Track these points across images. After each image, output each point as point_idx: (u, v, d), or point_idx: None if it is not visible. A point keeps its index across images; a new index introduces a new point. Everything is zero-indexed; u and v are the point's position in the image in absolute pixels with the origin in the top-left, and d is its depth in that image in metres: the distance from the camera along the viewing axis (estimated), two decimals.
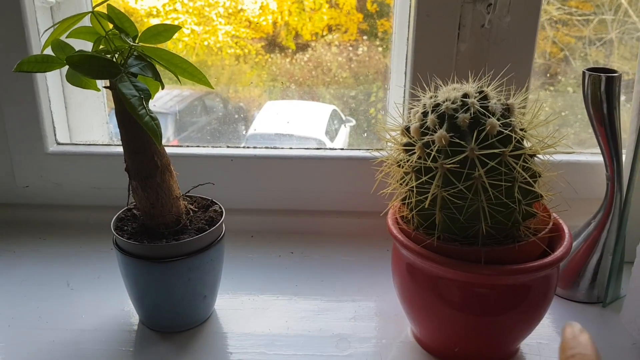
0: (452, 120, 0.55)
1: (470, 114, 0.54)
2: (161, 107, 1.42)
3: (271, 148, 0.87)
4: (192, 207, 0.69)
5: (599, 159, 0.73)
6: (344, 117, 1.13)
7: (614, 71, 0.67)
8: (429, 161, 0.54)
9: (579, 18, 1.06)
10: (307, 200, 0.89)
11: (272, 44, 1.11)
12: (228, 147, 0.87)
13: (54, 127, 0.88)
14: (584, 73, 0.68)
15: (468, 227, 0.55)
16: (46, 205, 0.90)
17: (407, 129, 0.58)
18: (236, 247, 0.86)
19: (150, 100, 0.58)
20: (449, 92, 0.57)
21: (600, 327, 0.70)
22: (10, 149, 0.87)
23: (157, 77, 0.59)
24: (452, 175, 0.54)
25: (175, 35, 0.62)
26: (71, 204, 0.90)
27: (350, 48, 1.11)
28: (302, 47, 1.11)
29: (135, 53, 0.59)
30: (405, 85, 0.83)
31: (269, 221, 0.89)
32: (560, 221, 0.63)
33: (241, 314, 0.71)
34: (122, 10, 0.60)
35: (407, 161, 0.57)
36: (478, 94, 0.56)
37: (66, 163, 0.87)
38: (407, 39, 0.81)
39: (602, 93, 0.67)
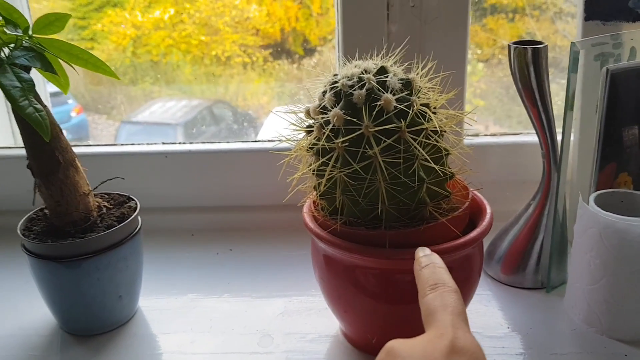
0: (348, 97, 0.51)
1: (366, 90, 0.51)
2: (169, 119, 1.42)
3: (207, 143, 0.84)
4: (106, 204, 0.67)
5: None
6: None
7: (540, 43, 0.64)
8: (322, 140, 0.51)
9: None
10: (249, 195, 0.86)
11: (280, 50, 1.10)
12: (163, 143, 0.85)
13: None
14: (509, 47, 0.64)
15: (370, 210, 0.52)
16: None
17: (309, 110, 0.55)
18: (175, 247, 0.83)
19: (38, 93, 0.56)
20: (350, 69, 0.54)
21: (543, 313, 0.66)
22: None
23: (48, 67, 0.57)
24: (349, 155, 0.51)
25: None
26: (3, 209, 0.87)
27: None
28: (309, 52, 1.11)
29: (24, 44, 0.57)
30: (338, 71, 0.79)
31: (209, 218, 0.87)
32: (483, 200, 0.60)
33: (165, 315, 0.68)
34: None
35: (309, 143, 0.54)
36: (376, 69, 0.52)
37: None
38: (337, 23, 0.78)
39: (529, 66, 0.63)
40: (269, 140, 0.84)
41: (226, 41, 1.12)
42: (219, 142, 0.85)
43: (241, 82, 1.23)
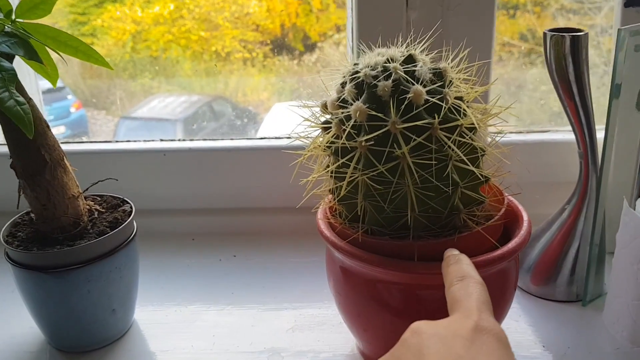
0: (371, 89, 0.45)
1: (392, 81, 0.44)
2: (169, 114, 1.38)
3: (209, 140, 0.78)
4: (98, 207, 0.60)
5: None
6: None
7: (579, 30, 0.58)
8: (343, 138, 0.45)
9: (590, 6, 1.00)
10: (254, 196, 0.80)
11: (280, 46, 1.08)
12: (162, 140, 0.79)
13: None
14: (544, 34, 0.58)
15: (397, 218, 0.46)
16: None
17: (326, 104, 0.49)
18: (173, 253, 0.77)
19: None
20: (372, 57, 0.47)
21: (581, 330, 0.60)
22: None
23: (32, 55, 0.51)
24: (373, 155, 0.44)
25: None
26: None
27: None
28: (310, 48, 1.09)
29: (6, 29, 0.51)
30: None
31: (211, 222, 0.80)
32: (519, 206, 0.54)
33: (163, 329, 0.62)
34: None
35: (326, 142, 0.48)
36: (403, 57, 0.46)
37: None
38: (351, 10, 0.71)
39: (566, 56, 0.57)
40: (276, 138, 0.78)
41: (226, 37, 1.10)
42: (221, 139, 0.78)
43: (241, 78, 1.19)
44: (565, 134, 0.76)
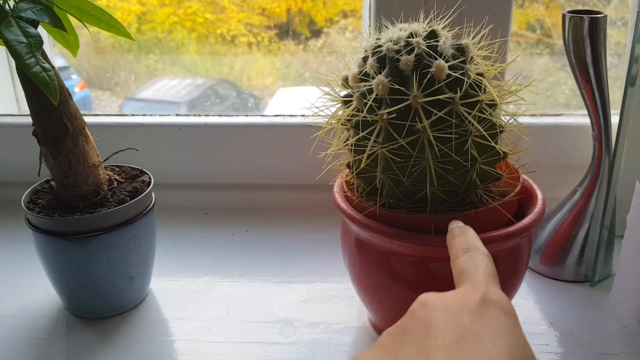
0: (393, 63, 0.46)
1: (415, 56, 0.45)
2: (173, 97, 1.39)
3: (224, 115, 0.79)
4: (117, 177, 0.61)
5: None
6: None
7: (598, 12, 0.58)
8: (365, 111, 0.46)
9: None
10: (267, 173, 0.80)
11: (286, 31, 1.08)
12: (177, 115, 0.79)
13: None
14: (564, 16, 0.59)
15: (415, 191, 0.47)
16: None
17: (347, 78, 0.50)
18: (187, 226, 0.78)
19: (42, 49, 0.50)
20: (394, 32, 0.48)
21: (589, 309, 0.61)
22: None
23: (57, 23, 0.51)
24: (393, 128, 0.45)
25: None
26: (9, 181, 0.82)
27: None
28: (316, 33, 1.10)
29: None
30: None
31: (225, 197, 0.81)
32: (533, 185, 0.54)
33: (179, 298, 0.64)
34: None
35: (347, 115, 0.49)
36: (426, 32, 0.47)
37: None
38: None
39: (584, 38, 0.58)
40: (290, 115, 0.79)
41: (232, 20, 1.10)
42: (237, 115, 0.79)
43: (246, 62, 1.19)
44: (578, 117, 0.76)
